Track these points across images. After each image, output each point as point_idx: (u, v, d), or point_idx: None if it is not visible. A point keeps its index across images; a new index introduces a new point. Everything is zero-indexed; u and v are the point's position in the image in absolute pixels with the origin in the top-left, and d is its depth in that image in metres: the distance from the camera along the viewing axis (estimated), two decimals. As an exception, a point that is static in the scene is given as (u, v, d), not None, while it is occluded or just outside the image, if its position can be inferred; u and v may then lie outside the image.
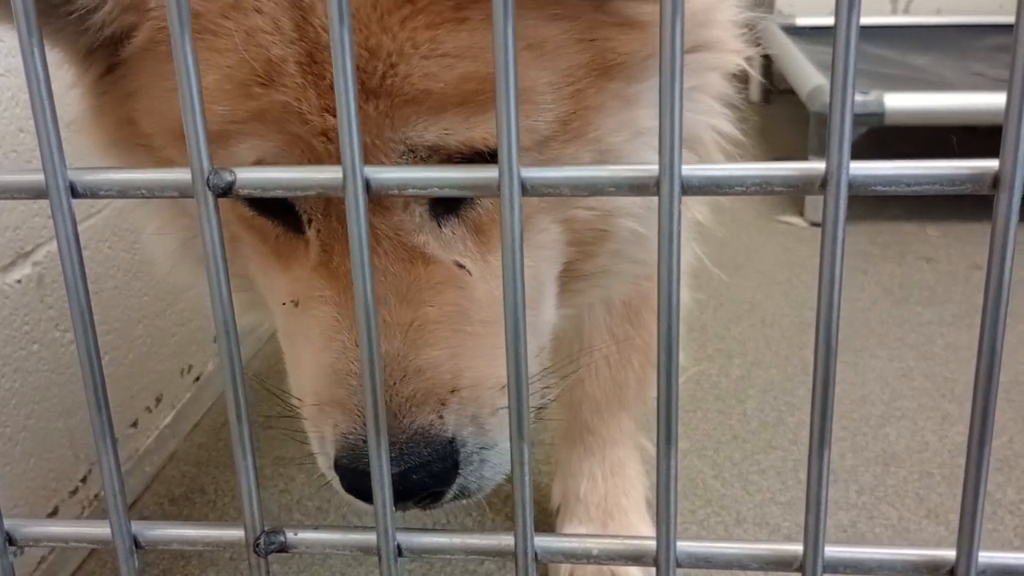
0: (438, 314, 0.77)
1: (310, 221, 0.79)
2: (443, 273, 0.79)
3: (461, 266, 0.80)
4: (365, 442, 0.70)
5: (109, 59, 0.82)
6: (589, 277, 0.96)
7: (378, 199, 0.75)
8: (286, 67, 0.73)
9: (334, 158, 0.71)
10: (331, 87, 0.70)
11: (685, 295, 1.15)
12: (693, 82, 0.89)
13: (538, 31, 0.76)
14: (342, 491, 0.80)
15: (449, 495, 0.79)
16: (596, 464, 1.38)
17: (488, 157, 0.75)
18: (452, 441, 0.76)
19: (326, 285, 0.79)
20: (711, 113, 0.94)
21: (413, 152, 0.74)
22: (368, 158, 0.73)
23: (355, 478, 0.77)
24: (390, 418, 0.75)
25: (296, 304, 0.82)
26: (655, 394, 1.21)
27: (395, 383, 0.76)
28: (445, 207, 0.79)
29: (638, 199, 0.88)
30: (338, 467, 0.78)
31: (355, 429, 0.76)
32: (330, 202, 0.77)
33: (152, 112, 0.81)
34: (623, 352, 1.29)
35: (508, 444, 0.76)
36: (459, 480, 0.78)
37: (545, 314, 0.89)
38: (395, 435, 0.74)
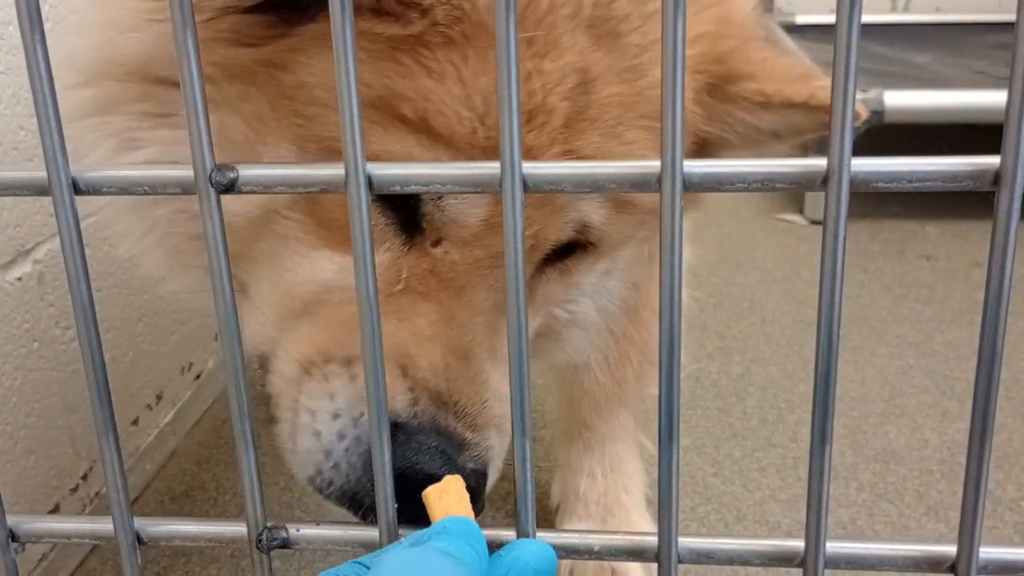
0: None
1: (438, 242, 0.81)
2: (539, 319, 0.89)
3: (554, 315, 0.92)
4: (456, 435, 0.75)
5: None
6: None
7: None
8: (551, 119, 0.77)
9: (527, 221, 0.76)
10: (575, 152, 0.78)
11: (685, 294, 1.18)
12: None
13: None
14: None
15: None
16: (595, 461, 1.38)
17: None
18: (488, 465, 0.79)
19: (442, 293, 0.80)
20: None
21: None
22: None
23: (413, 459, 0.74)
24: (480, 424, 0.77)
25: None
26: (654, 392, 1.25)
27: (485, 401, 0.79)
28: (549, 260, 0.88)
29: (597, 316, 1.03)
30: (408, 438, 0.74)
31: (449, 419, 0.76)
32: (482, 236, 0.79)
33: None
34: (622, 350, 1.30)
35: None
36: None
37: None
38: (477, 437, 0.77)
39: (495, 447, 0.78)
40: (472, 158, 0.74)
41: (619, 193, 0.81)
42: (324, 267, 0.81)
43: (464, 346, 0.79)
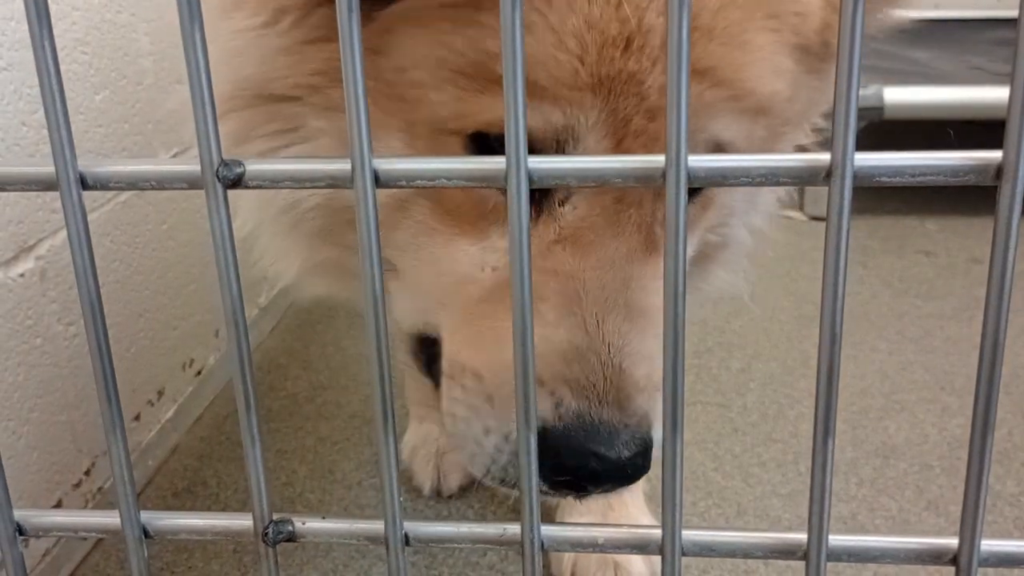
0: (660, 306, 0.80)
1: (566, 199, 0.78)
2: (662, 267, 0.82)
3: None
4: (600, 421, 0.72)
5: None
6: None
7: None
8: (650, 38, 0.72)
9: (647, 138, 0.74)
10: (697, 70, 0.73)
11: (735, 278, 1.19)
12: None
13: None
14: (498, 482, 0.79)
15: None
16: None
17: None
18: (653, 433, 0.76)
19: (570, 260, 0.77)
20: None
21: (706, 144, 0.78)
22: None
23: (584, 460, 0.73)
24: (623, 398, 0.74)
25: (495, 274, 0.79)
26: None
27: (629, 366, 0.75)
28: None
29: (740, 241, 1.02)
30: (563, 448, 0.73)
31: (589, 408, 0.73)
32: (619, 192, 0.77)
33: (432, 44, 0.75)
34: None
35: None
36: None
37: None
38: (626, 416, 0.74)
39: (647, 413, 0.75)
40: (581, 100, 0.72)
41: (755, 101, 0.78)
42: (461, 259, 0.80)
43: (596, 317, 0.76)
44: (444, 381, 0.82)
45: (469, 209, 0.80)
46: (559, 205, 0.78)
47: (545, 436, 0.71)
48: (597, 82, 0.72)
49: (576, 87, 0.72)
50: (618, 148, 0.75)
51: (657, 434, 0.75)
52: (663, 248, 0.78)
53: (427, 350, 0.91)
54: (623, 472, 0.73)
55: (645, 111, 0.74)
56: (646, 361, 0.76)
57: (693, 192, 0.85)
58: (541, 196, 0.79)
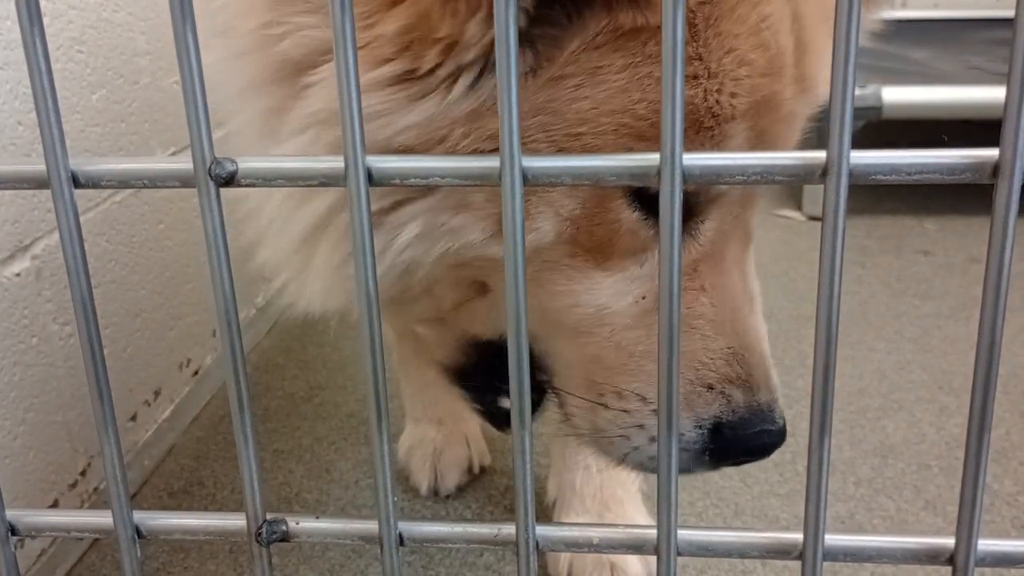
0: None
1: (705, 217, 0.84)
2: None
3: None
4: (761, 405, 0.85)
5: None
6: None
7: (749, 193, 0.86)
8: (785, 57, 0.78)
9: (784, 141, 0.82)
10: (805, 77, 0.81)
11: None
12: None
13: None
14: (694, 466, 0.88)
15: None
16: (590, 455, 1.38)
17: None
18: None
19: (716, 275, 0.86)
20: None
21: None
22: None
23: (758, 438, 0.86)
24: (767, 378, 0.87)
25: (644, 302, 0.85)
26: None
27: (763, 349, 0.88)
28: None
29: None
30: (740, 436, 0.85)
31: (756, 399, 0.86)
32: (744, 192, 0.84)
33: (608, 103, 0.72)
34: None
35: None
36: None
37: None
38: (772, 391, 0.87)
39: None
40: (735, 129, 0.78)
41: (822, 102, 0.84)
42: (599, 290, 0.84)
43: (736, 315, 0.86)
44: (583, 403, 0.90)
45: (607, 240, 0.82)
46: (701, 223, 0.85)
47: (722, 429, 0.85)
48: (749, 110, 0.78)
49: (730, 118, 0.77)
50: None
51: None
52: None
53: (477, 354, 0.99)
54: (784, 435, 0.87)
55: (784, 119, 0.82)
56: (766, 338, 0.89)
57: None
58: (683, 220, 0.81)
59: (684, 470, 0.87)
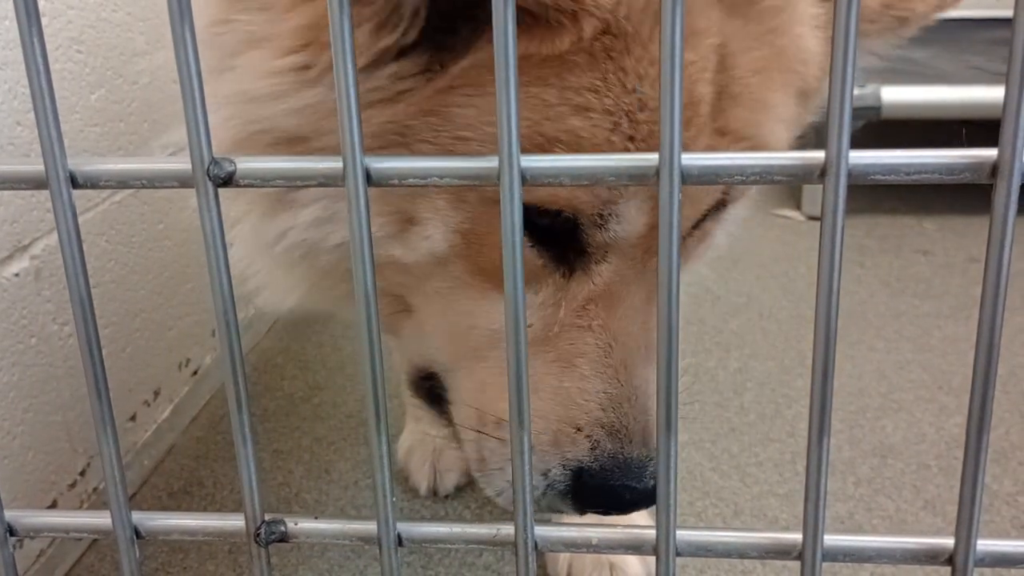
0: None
1: (603, 258, 0.82)
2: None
3: None
4: (628, 459, 0.82)
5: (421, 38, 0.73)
6: None
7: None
8: (700, 107, 0.76)
9: (687, 198, 0.78)
10: (727, 131, 0.79)
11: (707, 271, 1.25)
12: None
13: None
14: (560, 505, 0.86)
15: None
16: None
17: None
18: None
19: (601, 315, 0.83)
20: None
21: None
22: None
23: (618, 492, 0.83)
24: (647, 436, 0.83)
25: (539, 330, 0.84)
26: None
27: (652, 406, 0.82)
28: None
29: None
30: (595, 487, 0.83)
31: (621, 449, 0.82)
32: (646, 237, 0.80)
33: (491, 115, 0.74)
34: None
35: None
36: None
37: None
38: (651, 451, 0.83)
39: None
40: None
41: (761, 141, 0.82)
42: (493, 313, 0.84)
43: (625, 365, 0.83)
44: (465, 429, 0.90)
45: (499, 267, 0.82)
46: (595, 264, 0.82)
47: (582, 475, 0.82)
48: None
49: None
50: (655, 216, 0.79)
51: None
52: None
53: (427, 383, 0.97)
54: (650, 499, 0.81)
55: None
56: (654, 395, 0.83)
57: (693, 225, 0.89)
58: (575, 257, 0.82)
59: (551, 508, 0.85)
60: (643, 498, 0.82)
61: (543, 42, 0.72)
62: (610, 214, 0.78)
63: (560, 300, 0.83)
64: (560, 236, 0.80)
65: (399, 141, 0.76)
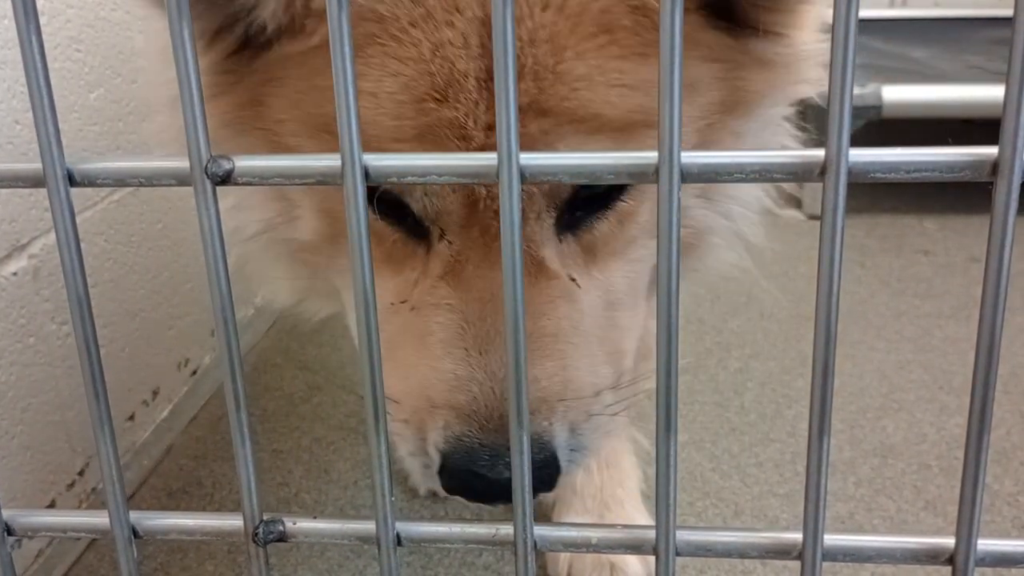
0: (554, 327, 0.83)
1: (442, 234, 0.82)
2: (560, 288, 0.84)
3: (573, 279, 0.85)
4: (482, 445, 0.78)
5: (243, 41, 0.81)
6: None
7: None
8: (466, 83, 0.75)
9: (483, 185, 0.77)
10: (544, 112, 0.76)
11: (733, 256, 1.19)
12: (786, 111, 1.00)
13: (691, 71, 0.80)
14: (439, 488, 0.84)
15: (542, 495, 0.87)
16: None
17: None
18: (555, 450, 0.82)
19: (452, 293, 0.82)
20: (787, 136, 1.05)
21: None
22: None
23: (469, 479, 0.80)
24: (507, 424, 0.79)
25: (408, 305, 0.85)
26: (649, 387, 1.25)
27: (504, 397, 0.80)
28: (567, 224, 0.84)
29: (725, 220, 1.00)
30: (447, 469, 0.81)
31: (471, 432, 0.80)
32: (472, 217, 0.80)
33: (295, 103, 0.81)
34: None
35: (596, 443, 0.85)
36: (558, 480, 0.84)
37: (639, 318, 0.94)
38: (504, 451, 0.78)
39: (540, 434, 0.81)
40: (411, 149, 0.76)
41: (598, 122, 0.78)
42: (382, 291, 0.83)
43: (478, 349, 0.81)
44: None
45: (402, 247, 0.85)
46: (438, 241, 0.82)
47: (442, 455, 0.81)
48: (420, 133, 0.77)
49: (402, 139, 0.77)
50: (474, 194, 0.79)
51: (560, 448, 0.82)
52: (555, 263, 0.83)
53: None
54: (506, 492, 0.73)
55: (478, 149, 0.77)
56: (539, 382, 0.81)
57: (601, 206, 0.85)
58: (421, 233, 0.83)
59: (447, 488, 0.83)
60: (493, 489, 0.78)
61: (302, 39, 0.79)
62: (424, 196, 0.79)
63: (419, 277, 0.84)
64: (401, 211, 0.82)
65: (241, 128, 0.84)
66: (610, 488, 1.38)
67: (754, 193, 1.03)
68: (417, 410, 0.82)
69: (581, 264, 0.86)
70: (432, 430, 0.82)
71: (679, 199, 0.48)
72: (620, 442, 1.41)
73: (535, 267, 0.83)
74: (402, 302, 0.85)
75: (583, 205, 0.84)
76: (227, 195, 0.94)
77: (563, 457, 0.82)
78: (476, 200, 0.79)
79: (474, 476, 0.79)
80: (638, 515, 1.38)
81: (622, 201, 0.85)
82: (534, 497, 0.82)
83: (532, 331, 0.81)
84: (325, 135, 0.80)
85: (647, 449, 1.47)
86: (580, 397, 0.84)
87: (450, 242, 0.82)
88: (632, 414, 1.39)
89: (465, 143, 0.77)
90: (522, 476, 0.54)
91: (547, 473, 0.81)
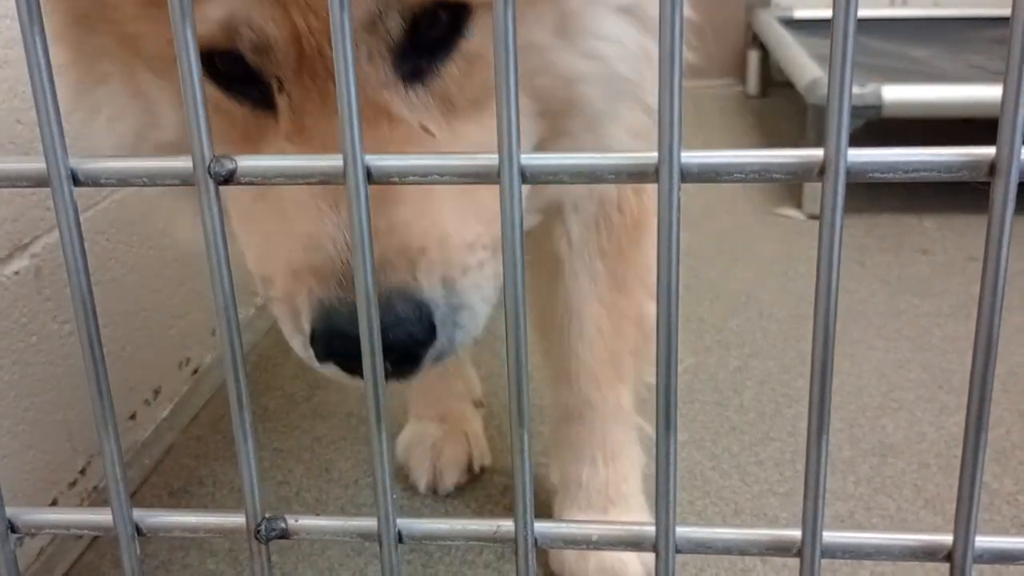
0: None
1: (280, 87, 0.76)
2: (407, 133, 0.76)
3: (426, 129, 0.77)
4: (341, 303, 0.71)
5: None
6: None
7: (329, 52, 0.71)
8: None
9: (301, 16, 0.71)
10: None
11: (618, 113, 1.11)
12: None
13: None
14: (318, 366, 0.77)
15: (427, 359, 0.76)
16: (596, 447, 1.35)
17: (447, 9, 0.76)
18: (427, 303, 0.73)
19: (297, 151, 0.75)
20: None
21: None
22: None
23: (334, 343, 0.73)
24: (345, 285, 0.73)
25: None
26: (650, 369, 1.22)
27: (344, 251, 0.72)
28: (412, 72, 0.77)
29: (598, 68, 0.86)
30: (315, 337, 0.74)
31: (332, 293, 0.72)
32: (301, 60, 0.74)
33: None
34: (615, 322, 1.27)
35: (479, 306, 0.77)
36: (435, 345, 0.75)
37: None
38: (342, 299, 0.71)
39: (403, 286, 0.73)
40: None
41: None
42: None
43: (330, 198, 0.74)
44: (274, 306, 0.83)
45: (255, 123, 0.80)
46: (279, 95, 0.76)
47: (313, 320, 0.73)
48: None
49: None
50: (286, 21, 0.73)
51: (434, 304, 0.74)
52: (401, 109, 0.75)
53: None
54: (390, 346, 0.67)
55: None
56: (389, 235, 0.73)
57: (442, 47, 0.78)
58: (266, 94, 0.77)
59: (318, 358, 0.75)
60: (342, 344, 0.71)
61: None
62: (248, 30, 0.73)
63: (271, 142, 0.79)
64: (247, 83, 0.77)
65: (89, 26, 0.84)
66: (615, 483, 1.37)
67: (623, 28, 0.88)
68: (286, 283, 0.76)
69: (438, 116, 0.78)
70: (302, 302, 0.75)
71: (679, 199, 0.48)
72: (625, 430, 1.37)
73: (372, 110, 0.75)
74: None
75: (425, 51, 0.77)
76: (100, 109, 0.94)
77: (441, 316, 0.74)
78: (299, 37, 0.73)
79: (340, 338, 0.71)
80: (642, 511, 1.38)
81: (464, 39, 0.78)
82: (412, 367, 0.73)
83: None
84: (152, 9, 0.76)
85: (651, 436, 1.45)
86: (448, 247, 0.75)
87: (289, 96, 0.76)
88: (636, 398, 1.40)
89: None
90: (523, 474, 0.55)
91: (419, 329, 0.73)
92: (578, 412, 1.34)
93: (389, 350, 0.67)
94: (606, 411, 1.34)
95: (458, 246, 0.76)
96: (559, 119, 0.88)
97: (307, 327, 0.74)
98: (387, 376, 0.73)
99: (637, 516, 1.37)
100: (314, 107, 0.75)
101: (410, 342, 0.73)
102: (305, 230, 0.74)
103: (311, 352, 0.75)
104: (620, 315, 1.27)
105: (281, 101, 0.77)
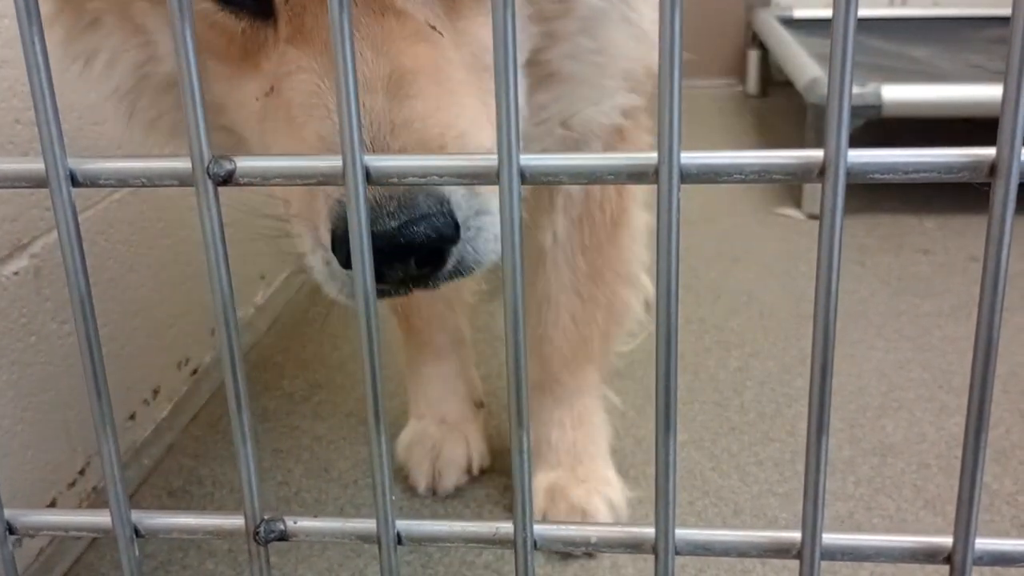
0: (415, 65, 0.73)
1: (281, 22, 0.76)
2: (414, 27, 0.75)
3: (433, 27, 0.76)
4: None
5: None
6: (553, 84, 0.92)
7: None
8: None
9: None
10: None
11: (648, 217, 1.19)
12: None
13: None
14: (337, 287, 0.75)
15: (450, 263, 0.73)
16: (565, 413, 1.46)
17: None
18: (448, 200, 0.71)
19: (301, 55, 0.75)
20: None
21: None
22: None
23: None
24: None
25: (272, 91, 0.78)
26: (621, 349, 1.23)
27: (384, 137, 0.70)
28: None
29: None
30: (336, 240, 0.70)
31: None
32: None
33: None
34: (587, 310, 1.36)
35: (497, 220, 0.74)
36: (460, 247, 0.72)
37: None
38: (391, 190, 0.68)
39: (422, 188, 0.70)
40: None
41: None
42: (245, 95, 0.82)
43: (306, 118, 0.74)
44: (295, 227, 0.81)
45: (253, 36, 0.79)
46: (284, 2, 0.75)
47: (335, 233, 0.71)
48: None
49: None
50: None
51: (457, 205, 0.71)
52: (404, 9, 0.74)
53: None
54: (413, 240, 0.68)
55: None
56: (407, 129, 0.71)
57: None
58: (265, 4, 0.77)
59: (342, 263, 0.72)
60: (388, 247, 0.68)
61: None
62: None
63: (272, 51, 0.78)
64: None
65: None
66: (583, 443, 1.46)
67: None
68: (303, 197, 0.74)
69: (441, 15, 0.77)
70: (319, 209, 0.72)
71: (679, 200, 0.48)
72: (592, 401, 1.48)
73: (380, 5, 0.74)
74: (266, 94, 0.78)
75: None
76: (95, 53, 0.94)
77: (464, 216, 0.71)
78: None
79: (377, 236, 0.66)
80: (607, 469, 1.47)
81: None
82: (435, 270, 0.70)
83: (391, 71, 0.72)
84: None
85: (617, 406, 1.55)
86: (467, 148, 0.72)
87: (287, 1, 0.75)
88: (605, 375, 1.48)
89: None
90: (522, 475, 0.55)
91: (443, 223, 0.70)
92: (549, 388, 1.45)
93: (413, 248, 0.67)
94: (574, 387, 1.45)
95: (477, 149, 0.73)
96: (553, 22, 0.86)
97: (327, 236, 0.71)
98: (410, 281, 0.71)
99: (602, 473, 1.45)
100: (315, 8, 0.74)
101: (435, 236, 0.70)
102: (316, 131, 0.72)
103: (334, 266, 0.72)
104: (594, 304, 1.36)
105: (279, 2, 0.76)
